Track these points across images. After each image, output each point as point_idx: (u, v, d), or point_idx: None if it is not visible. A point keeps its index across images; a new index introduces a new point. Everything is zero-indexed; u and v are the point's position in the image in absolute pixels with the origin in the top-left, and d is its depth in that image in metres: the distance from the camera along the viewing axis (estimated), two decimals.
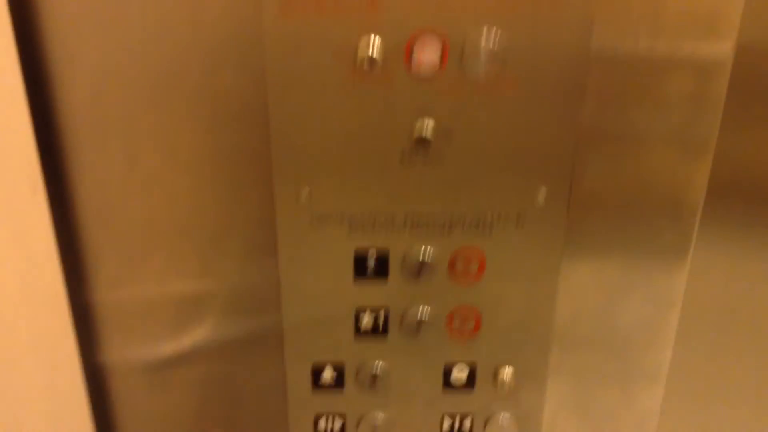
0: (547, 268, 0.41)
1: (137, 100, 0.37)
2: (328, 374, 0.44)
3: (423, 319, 0.42)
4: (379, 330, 0.43)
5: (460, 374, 0.44)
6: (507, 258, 0.41)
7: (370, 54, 0.35)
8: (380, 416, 0.46)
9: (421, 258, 0.41)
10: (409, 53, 0.35)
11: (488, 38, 0.35)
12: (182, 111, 0.37)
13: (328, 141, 0.37)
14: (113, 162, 0.38)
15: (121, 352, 0.45)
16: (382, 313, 0.42)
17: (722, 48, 0.37)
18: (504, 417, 0.45)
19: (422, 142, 0.36)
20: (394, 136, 0.37)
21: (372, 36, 0.35)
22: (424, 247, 0.40)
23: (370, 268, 0.41)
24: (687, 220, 0.41)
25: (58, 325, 0.41)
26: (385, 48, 0.35)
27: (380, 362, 0.44)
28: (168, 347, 0.45)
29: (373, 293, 0.42)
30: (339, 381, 0.45)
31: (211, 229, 0.41)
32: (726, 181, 0.41)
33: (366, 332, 0.43)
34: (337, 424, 0.46)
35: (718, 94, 0.38)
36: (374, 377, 0.44)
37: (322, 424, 0.46)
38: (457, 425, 0.46)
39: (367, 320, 0.43)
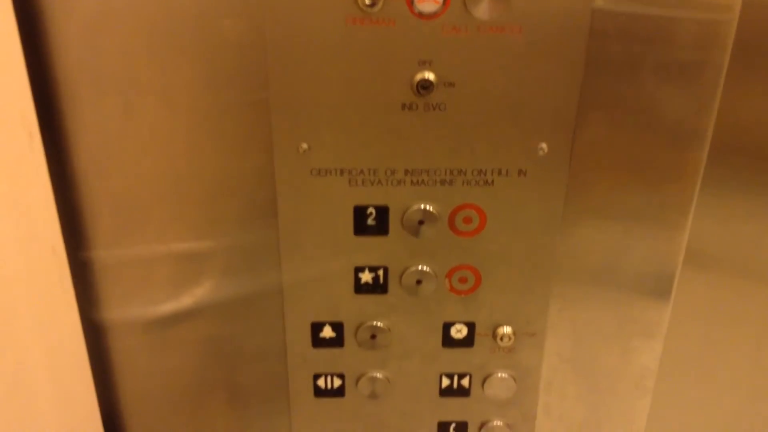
0: (547, 224, 0.41)
1: (134, 50, 0.36)
2: (327, 332, 0.44)
3: (422, 276, 0.42)
4: (379, 288, 0.43)
5: (459, 332, 0.44)
6: (507, 214, 0.41)
7: None
8: (379, 374, 0.46)
9: (421, 214, 0.40)
10: None
11: None
12: (180, 61, 0.37)
13: (327, 90, 0.37)
14: (110, 112, 0.38)
15: (121, 311, 0.45)
16: (381, 271, 0.42)
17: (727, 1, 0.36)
18: (502, 375, 0.46)
19: (424, 85, 0.36)
20: (395, 83, 0.36)
21: None
22: (424, 203, 0.40)
23: (369, 224, 0.41)
24: (689, 178, 0.41)
25: (57, 281, 0.41)
26: None
27: (379, 320, 0.44)
28: (167, 306, 0.45)
29: (372, 250, 0.42)
30: (338, 339, 0.45)
31: (210, 184, 0.40)
32: (728, 140, 0.41)
33: (365, 290, 0.43)
34: (336, 383, 0.46)
35: (721, 51, 0.37)
36: (373, 335, 0.44)
37: (321, 382, 0.46)
38: (455, 383, 0.46)
39: (366, 278, 0.43)
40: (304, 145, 0.39)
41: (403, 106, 0.37)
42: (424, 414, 0.47)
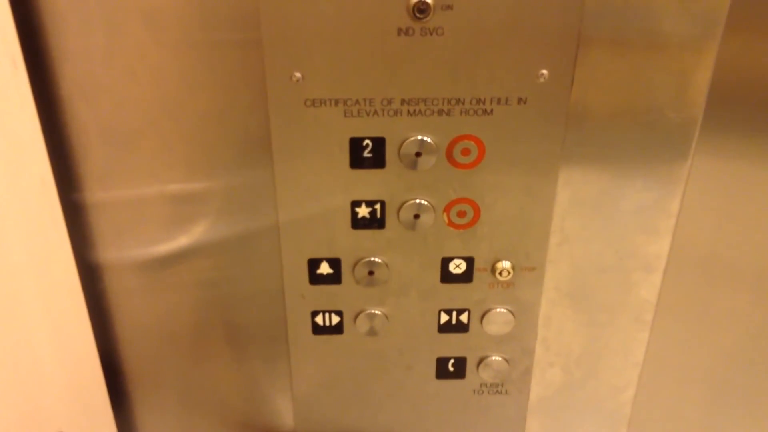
0: (547, 155, 0.40)
1: None
2: (324, 269, 0.44)
3: (420, 210, 0.42)
4: (376, 222, 0.42)
5: (457, 267, 0.44)
6: (507, 145, 0.40)
7: None
8: (377, 311, 0.45)
9: (418, 145, 0.39)
10: None
11: None
12: None
13: (320, 15, 0.35)
14: (95, 37, 0.37)
15: (117, 252, 0.45)
16: (378, 205, 0.42)
17: None
18: (501, 310, 0.45)
19: (421, 8, 0.35)
20: (391, 7, 0.35)
21: None
22: (421, 134, 0.39)
23: (365, 156, 0.40)
24: (693, 104, 0.40)
25: (48, 215, 0.40)
26: None
27: (377, 256, 0.43)
28: (163, 246, 0.45)
29: (369, 184, 0.41)
30: (336, 276, 0.44)
31: (201, 114, 0.39)
32: (729, 81, 0.40)
33: (362, 225, 0.42)
34: (335, 320, 0.46)
35: None
36: (371, 271, 0.44)
37: (319, 319, 0.46)
38: (454, 319, 0.46)
39: (363, 212, 0.42)
40: (297, 74, 0.37)
41: (399, 31, 0.36)
42: (423, 350, 0.47)
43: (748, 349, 0.50)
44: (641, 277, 0.45)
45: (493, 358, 0.47)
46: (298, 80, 0.37)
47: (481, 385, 0.49)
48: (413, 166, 0.40)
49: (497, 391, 0.49)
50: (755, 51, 0.40)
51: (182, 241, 0.44)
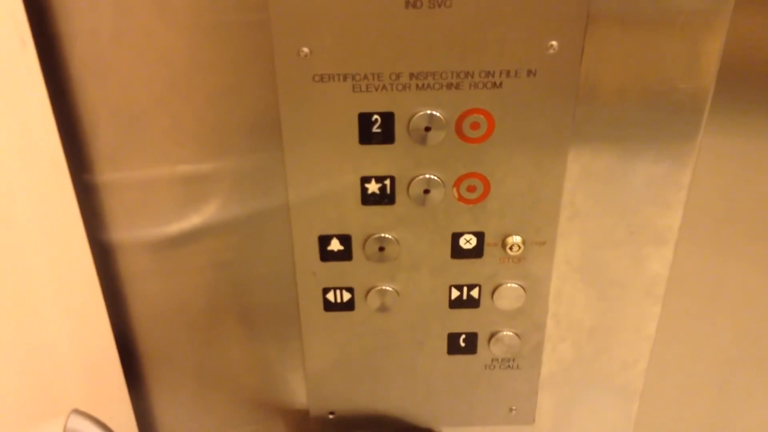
0: (557, 128, 0.40)
1: None
2: (335, 245, 0.44)
3: (430, 185, 0.42)
4: (386, 198, 0.42)
5: (468, 242, 0.44)
6: (516, 118, 0.40)
7: None
8: (388, 287, 0.46)
9: (427, 120, 0.39)
10: None
11: None
12: None
13: None
14: (102, 15, 0.37)
15: (129, 232, 0.45)
16: (388, 181, 0.42)
17: None
18: (512, 285, 0.45)
19: None
20: None
21: None
22: (430, 108, 0.39)
23: (374, 132, 0.40)
24: (704, 75, 0.39)
25: (59, 195, 0.40)
26: None
27: (387, 232, 0.43)
28: (174, 227, 0.45)
29: (378, 159, 0.41)
30: (346, 252, 0.44)
31: (211, 92, 0.39)
32: (740, 55, 0.39)
33: (372, 201, 0.42)
34: (346, 296, 0.46)
35: None
36: (381, 248, 0.44)
37: (330, 296, 0.46)
38: (465, 295, 0.46)
39: (372, 188, 0.42)
40: (305, 50, 0.37)
41: (407, 3, 0.36)
42: (434, 326, 0.47)
43: (759, 322, 0.50)
44: (652, 251, 0.45)
45: (504, 333, 0.48)
46: (306, 55, 0.37)
47: (492, 360, 0.49)
48: (422, 141, 0.40)
49: (509, 366, 0.49)
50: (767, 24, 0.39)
51: (194, 220, 0.45)
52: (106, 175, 0.43)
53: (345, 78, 0.38)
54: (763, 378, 0.53)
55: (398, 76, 0.38)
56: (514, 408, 0.51)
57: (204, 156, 0.42)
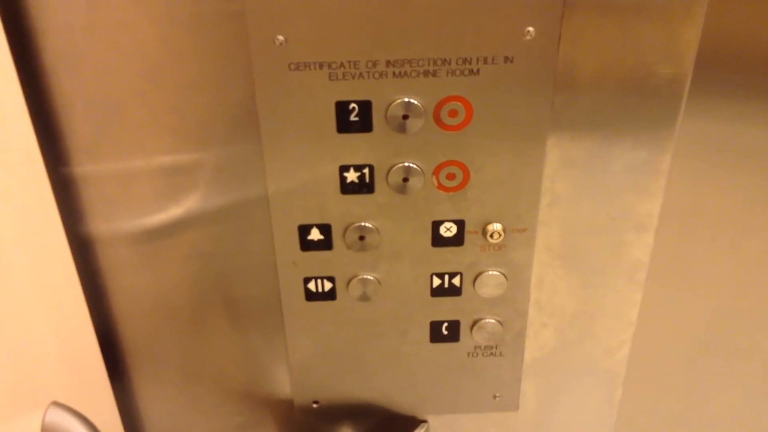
0: (536, 114, 0.40)
1: None
2: (315, 235, 0.44)
3: (409, 173, 0.41)
4: (365, 187, 0.42)
5: (448, 230, 0.44)
6: (494, 105, 0.39)
7: None
8: (369, 276, 0.45)
9: (405, 108, 0.39)
10: None
11: None
12: None
13: None
14: (77, 6, 0.36)
15: (108, 225, 0.45)
16: (367, 169, 0.41)
17: None
18: (493, 272, 0.45)
19: None
20: None
21: None
22: (407, 96, 0.39)
23: (352, 120, 0.40)
24: (682, 60, 0.39)
25: (36, 190, 0.40)
26: None
27: (367, 221, 0.43)
28: (154, 218, 0.45)
29: (356, 148, 0.41)
30: (326, 242, 0.44)
31: (186, 82, 0.39)
32: (718, 41, 0.39)
33: (351, 190, 0.42)
34: (327, 286, 0.46)
35: None
36: (362, 236, 0.44)
37: (312, 286, 0.46)
38: (446, 283, 0.46)
39: (351, 177, 0.42)
40: (280, 38, 0.37)
41: None
42: (416, 314, 0.47)
43: (739, 307, 0.51)
44: (633, 237, 0.45)
45: (487, 320, 0.48)
46: (281, 44, 0.37)
47: (475, 348, 0.49)
48: (401, 129, 0.40)
49: (491, 354, 0.49)
50: (744, 10, 0.39)
51: (174, 212, 0.44)
52: (84, 167, 0.43)
53: (321, 66, 0.38)
54: (744, 363, 0.53)
55: (375, 64, 0.38)
56: (497, 395, 0.51)
57: (182, 147, 0.42)
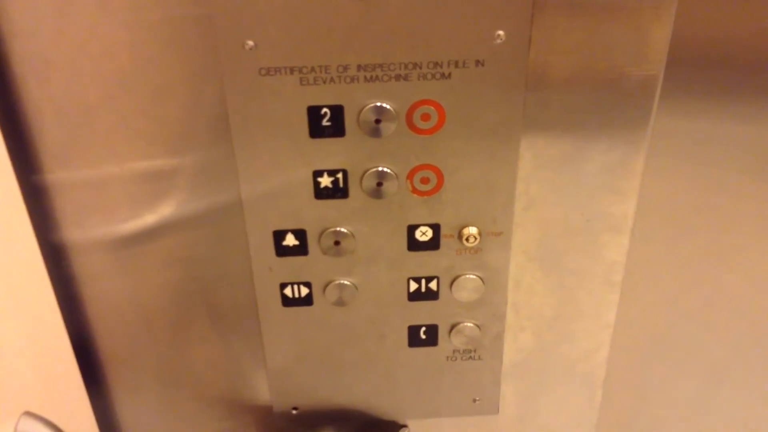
0: (508, 117, 0.40)
1: None
2: (290, 240, 0.44)
3: (383, 177, 0.41)
4: (339, 192, 0.42)
5: (424, 234, 0.44)
6: (466, 109, 0.39)
7: None
8: (346, 281, 0.45)
9: (377, 112, 0.39)
10: None
11: None
12: None
13: None
14: (44, 12, 0.36)
15: (81, 232, 0.44)
16: (340, 174, 0.41)
17: None
18: (470, 276, 0.45)
19: None
20: None
21: None
22: (379, 100, 0.39)
23: (324, 125, 0.39)
24: (653, 62, 0.39)
25: (7, 203, 0.40)
26: None
27: (342, 225, 0.43)
28: (128, 225, 0.44)
29: (330, 153, 0.41)
30: (302, 247, 0.44)
31: (157, 88, 0.39)
32: (689, 40, 0.39)
33: (326, 195, 0.42)
34: (303, 291, 0.46)
35: None
36: (337, 241, 0.44)
37: (288, 291, 0.46)
38: (423, 287, 0.46)
39: (325, 182, 0.42)
40: (250, 42, 0.37)
41: None
42: (394, 319, 0.47)
43: (715, 306, 0.51)
44: (609, 239, 0.45)
45: (465, 324, 0.48)
46: (251, 48, 0.37)
47: (453, 352, 0.49)
48: (373, 133, 0.40)
49: (470, 357, 0.49)
50: (714, 9, 0.39)
51: (148, 218, 0.44)
52: (55, 174, 0.42)
53: (292, 71, 0.38)
54: (724, 361, 0.53)
55: (346, 69, 0.38)
56: (477, 398, 0.51)
57: (155, 153, 0.42)
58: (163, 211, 0.44)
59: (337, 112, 0.39)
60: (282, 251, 0.44)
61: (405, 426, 0.52)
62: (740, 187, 0.45)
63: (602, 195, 0.44)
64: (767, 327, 0.52)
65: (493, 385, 0.51)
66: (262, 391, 0.52)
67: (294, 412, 0.51)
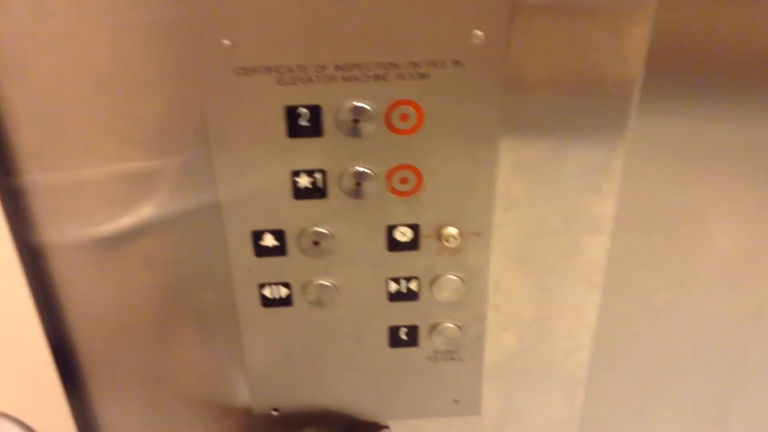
0: (487, 118, 0.40)
1: None
2: (268, 241, 0.43)
3: (362, 177, 0.41)
4: (318, 192, 0.42)
5: (403, 235, 0.44)
6: (445, 109, 0.39)
7: None
8: (325, 282, 0.45)
9: (355, 112, 0.39)
10: None
11: None
12: None
13: None
14: (19, 12, 0.36)
15: (58, 234, 0.44)
16: (319, 174, 0.41)
17: None
18: (450, 276, 0.45)
19: None
20: None
21: None
22: (357, 100, 0.39)
23: (302, 125, 0.39)
24: (632, 61, 0.39)
25: None
26: None
27: (321, 226, 0.43)
28: (107, 227, 0.44)
29: (308, 153, 0.40)
30: (281, 247, 0.44)
31: (134, 91, 0.38)
32: (668, 41, 0.40)
33: (304, 195, 0.42)
34: (283, 292, 0.45)
35: None
36: (316, 242, 0.43)
37: (267, 292, 0.45)
38: (403, 287, 0.46)
39: (304, 182, 0.41)
40: (226, 42, 0.37)
41: None
42: (374, 320, 0.47)
43: (695, 306, 0.51)
44: (588, 239, 0.45)
45: (445, 324, 0.47)
46: (227, 48, 0.37)
47: (434, 352, 0.49)
48: (352, 133, 0.40)
49: (451, 358, 0.49)
50: (693, 11, 0.39)
51: (126, 220, 0.44)
52: (32, 176, 0.42)
53: (269, 71, 0.38)
54: (709, 361, 0.54)
55: (323, 68, 0.38)
56: (459, 399, 0.51)
57: (132, 154, 0.41)
58: (141, 212, 0.43)
59: (315, 112, 0.39)
60: (261, 251, 0.44)
61: (386, 427, 0.52)
62: (719, 188, 0.46)
63: (581, 196, 0.44)
64: (750, 326, 0.52)
65: (474, 386, 0.51)
66: (243, 393, 0.51)
67: (274, 413, 0.51)
